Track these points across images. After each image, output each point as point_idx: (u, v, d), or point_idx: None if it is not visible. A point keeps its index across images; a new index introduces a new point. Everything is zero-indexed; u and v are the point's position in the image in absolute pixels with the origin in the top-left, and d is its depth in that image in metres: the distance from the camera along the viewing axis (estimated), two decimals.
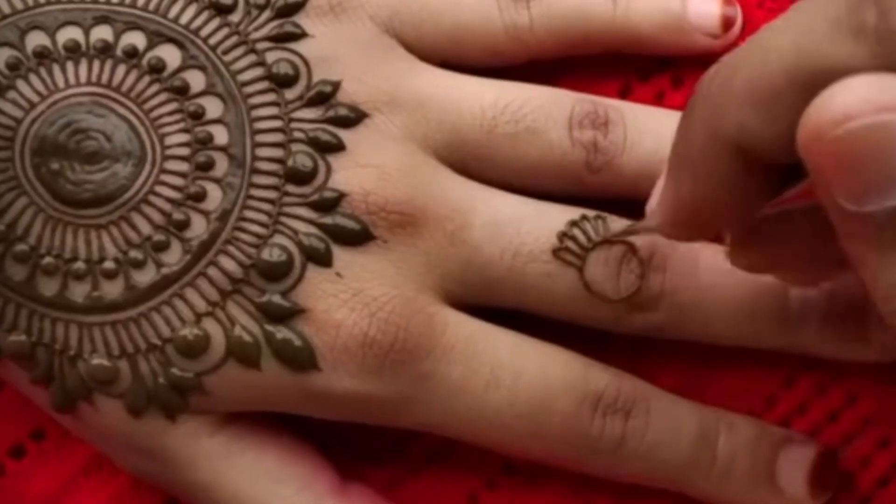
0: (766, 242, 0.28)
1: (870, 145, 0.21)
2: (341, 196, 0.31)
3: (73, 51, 0.31)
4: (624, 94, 0.34)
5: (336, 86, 0.31)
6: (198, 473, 0.31)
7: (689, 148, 0.25)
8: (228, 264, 0.30)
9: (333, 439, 0.33)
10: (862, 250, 0.22)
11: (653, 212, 0.28)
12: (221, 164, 0.30)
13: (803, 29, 0.22)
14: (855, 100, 0.21)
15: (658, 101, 0.34)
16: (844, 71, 0.22)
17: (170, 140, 0.30)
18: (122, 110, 0.30)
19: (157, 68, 0.31)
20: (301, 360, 0.30)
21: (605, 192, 0.32)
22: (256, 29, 0.31)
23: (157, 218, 0.30)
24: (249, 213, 0.30)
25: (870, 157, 0.21)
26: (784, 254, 0.28)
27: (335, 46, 0.31)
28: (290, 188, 0.31)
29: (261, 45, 0.31)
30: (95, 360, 0.30)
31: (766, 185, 0.25)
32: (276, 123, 0.31)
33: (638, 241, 0.31)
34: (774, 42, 0.23)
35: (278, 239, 0.30)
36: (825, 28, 0.22)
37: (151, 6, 0.31)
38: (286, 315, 0.30)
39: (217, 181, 0.30)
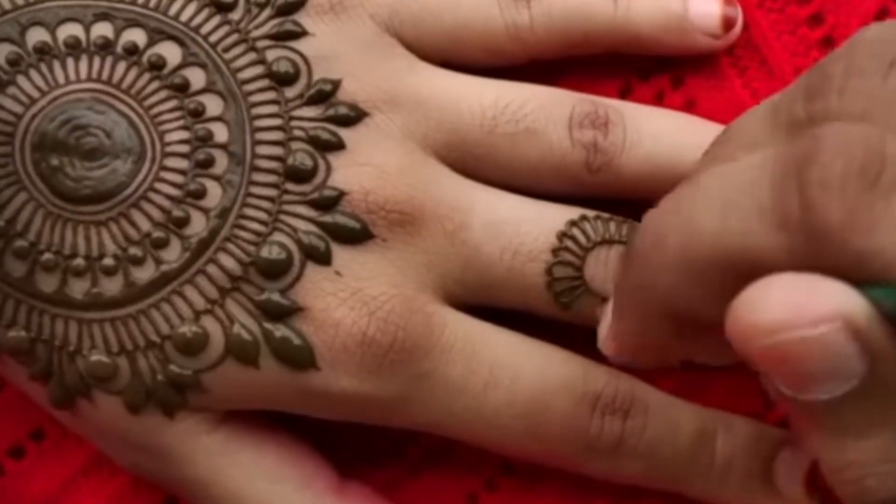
0: (714, 354, 0.29)
1: (801, 354, 0.21)
2: (341, 195, 0.31)
3: (74, 47, 0.31)
4: (624, 94, 0.34)
5: (336, 84, 0.31)
6: (196, 470, 0.31)
7: (627, 295, 0.26)
8: (228, 262, 0.30)
9: (333, 439, 0.33)
10: (808, 429, 0.23)
11: (603, 342, 0.29)
12: (221, 162, 0.30)
13: (728, 203, 0.23)
14: (783, 311, 0.21)
15: (658, 100, 0.34)
16: (769, 262, 0.22)
17: (169, 137, 0.31)
18: (122, 107, 0.30)
19: (157, 65, 0.31)
20: (300, 358, 0.30)
21: (604, 192, 0.32)
22: (257, 27, 0.31)
23: (157, 215, 0.30)
24: (249, 211, 0.30)
25: (801, 364, 0.21)
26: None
27: (335, 45, 0.32)
28: (290, 186, 0.31)
29: (261, 44, 0.31)
30: (94, 357, 0.30)
31: (705, 330, 0.25)
32: (276, 122, 0.31)
33: None
34: (701, 214, 0.23)
35: (278, 237, 0.30)
36: (749, 211, 0.22)
37: (152, 3, 0.31)
38: (285, 313, 0.30)
39: (217, 179, 0.30)
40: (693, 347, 0.28)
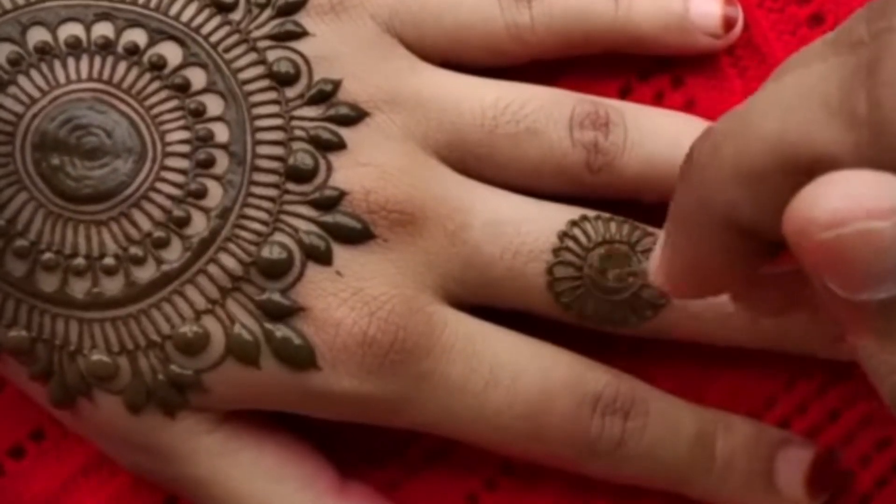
0: (767, 295, 0.28)
1: (860, 250, 0.20)
2: (342, 194, 0.31)
3: (75, 47, 0.31)
4: (624, 94, 0.34)
5: (337, 84, 0.31)
6: (197, 470, 0.31)
7: (683, 215, 0.25)
8: (228, 262, 0.30)
9: (333, 439, 0.33)
10: (857, 331, 0.22)
11: (654, 272, 0.27)
12: (222, 162, 0.30)
13: (790, 107, 0.22)
14: (844, 204, 0.20)
15: (658, 100, 0.34)
16: (831, 159, 0.21)
17: (170, 137, 0.31)
18: (122, 107, 0.30)
19: (157, 65, 0.31)
20: (300, 358, 0.30)
21: (605, 191, 0.32)
22: (257, 27, 0.31)
23: (158, 215, 0.30)
24: (250, 211, 0.30)
25: (860, 260, 0.20)
26: (787, 302, 0.28)
27: (336, 45, 0.31)
28: (291, 186, 0.31)
29: (262, 44, 0.31)
30: (95, 356, 0.30)
31: (765, 250, 0.25)
32: (277, 121, 0.31)
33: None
34: (760, 118, 0.23)
35: (278, 237, 0.30)
36: (813, 110, 0.22)
37: (153, 4, 0.31)
38: (286, 313, 0.30)
39: (217, 178, 0.30)
40: (748, 281, 0.27)
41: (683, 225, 0.25)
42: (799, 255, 0.21)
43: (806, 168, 0.21)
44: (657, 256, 0.27)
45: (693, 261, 0.26)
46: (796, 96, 0.22)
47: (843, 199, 0.20)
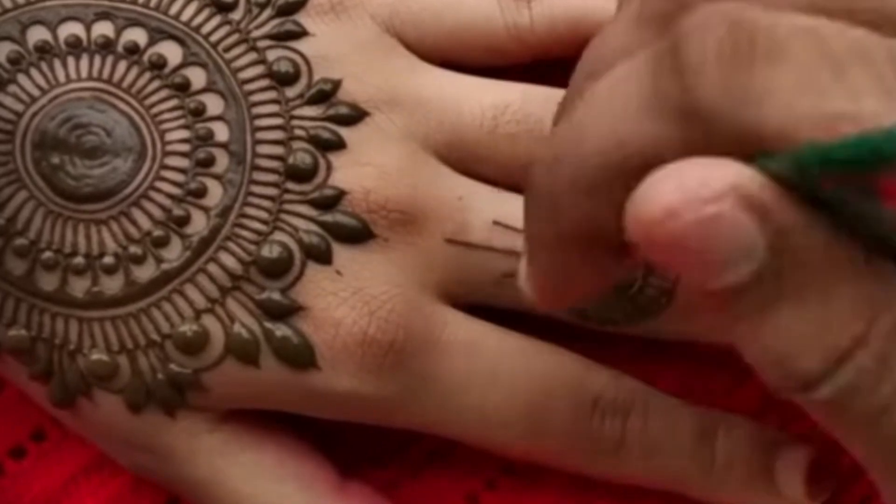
0: None
1: (701, 238, 0.20)
2: (342, 194, 0.31)
3: (75, 46, 0.31)
4: None
5: (337, 84, 0.31)
6: (197, 470, 0.31)
7: (535, 233, 0.25)
8: (228, 261, 0.30)
9: (333, 439, 0.33)
10: (728, 321, 0.22)
11: (523, 281, 0.27)
12: (222, 161, 0.30)
13: (615, 111, 0.22)
14: (676, 196, 0.20)
15: None
16: (662, 155, 0.21)
17: (170, 136, 0.31)
18: (122, 106, 0.31)
19: (157, 65, 0.31)
20: (300, 358, 0.30)
21: None
22: (257, 27, 0.31)
23: (157, 214, 0.30)
24: (250, 210, 0.30)
25: (703, 248, 0.20)
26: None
27: (336, 45, 0.32)
28: (291, 185, 0.31)
29: (261, 44, 0.31)
30: (95, 356, 0.30)
31: (624, 255, 0.24)
32: (277, 121, 0.31)
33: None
34: (590, 127, 0.22)
35: (278, 236, 0.30)
36: (635, 110, 0.21)
37: (153, 3, 0.31)
38: (285, 312, 0.30)
39: (217, 178, 0.30)
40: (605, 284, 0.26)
41: (538, 242, 0.25)
42: (647, 254, 0.21)
43: (642, 170, 0.21)
44: (523, 271, 0.27)
45: (553, 274, 0.25)
46: (617, 97, 0.22)
47: (674, 192, 0.20)
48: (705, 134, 0.20)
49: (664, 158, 0.21)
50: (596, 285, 0.25)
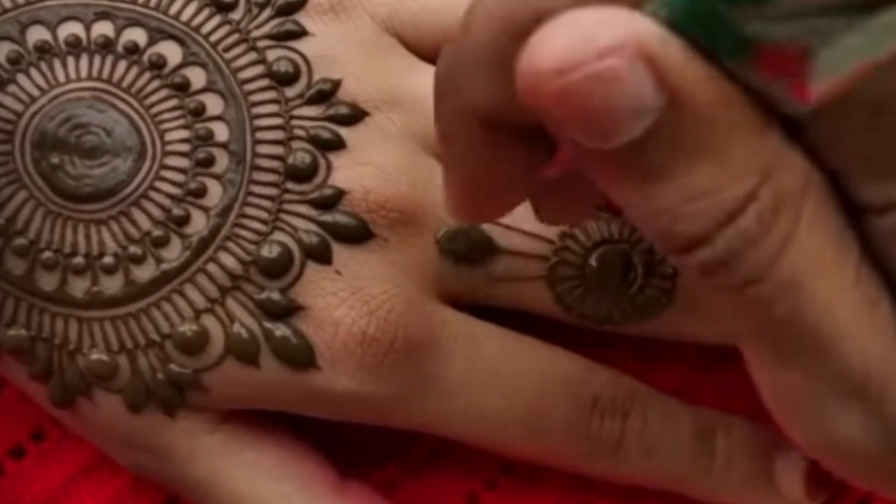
0: (563, 198, 0.26)
1: (597, 93, 0.18)
2: (341, 194, 0.31)
3: (74, 46, 0.31)
4: None
5: (336, 84, 0.31)
6: (197, 470, 0.31)
7: (444, 132, 0.24)
8: (228, 261, 0.30)
9: (333, 439, 0.33)
10: (619, 186, 0.20)
11: (445, 203, 0.26)
12: (222, 161, 0.30)
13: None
14: (573, 46, 0.18)
15: None
16: (549, 10, 0.19)
17: (170, 136, 0.31)
18: (122, 106, 0.31)
19: (157, 65, 0.31)
20: (300, 358, 0.30)
21: None
22: (257, 27, 0.31)
23: (157, 214, 0.30)
24: (249, 210, 0.30)
25: (596, 103, 0.18)
26: (580, 207, 0.27)
27: (335, 45, 0.32)
28: (291, 185, 0.31)
29: (261, 43, 0.31)
30: (94, 355, 0.30)
31: (537, 148, 0.23)
32: (277, 121, 0.31)
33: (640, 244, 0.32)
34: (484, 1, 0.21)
35: (278, 236, 0.30)
36: None
37: (152, 3, 0.31)
38: (285, 312, 0.30)
39: (217, 178, 0.30)
40: (534, 192, 0.25)
41: (448, 142, 0.24)
42: (538, 112, 0.19)
43: (532, 28, 0.19)
44: (443, 187, 0.26)
45: (469, 182, 0.24)
46: None
47: (566, 44, 0.18)
48: None
49: (555, 9, 0.19)
50: (513, 191, 0.24)
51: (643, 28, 0.19)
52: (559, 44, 0.18)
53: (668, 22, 0.19)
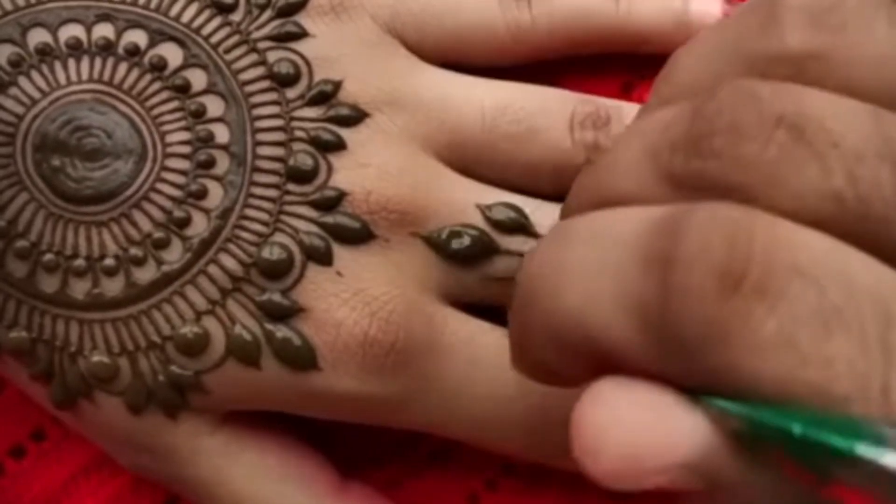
0: None
1: (640, 479, 0.20)
2: (342, 195, 0.31)
3: (75, 48, 0.31)
4: (625, 92, 0.34)
5: (337, 85, 0.31)
6: (198, 471, 0.31)
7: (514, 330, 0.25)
8: (229, 262, 0.30)
9: (334, 439, 0.33)
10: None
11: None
12: (222, 163, 0.30)
13: (594, 284, 0.21)
14: (623, 463, 0.20)
15: None
16: (624, 353, 0.20)
17: (171, 138, 0.31)
18: (123, 108, 0.31)
19: (158, 66, 0.31)
20: (301, 359, 0.30)
21: None
22: (258, 28, 0.31)
23: (158, 215, 0.30)
24: (250, 212, 0.30)
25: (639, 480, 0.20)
26: None
27: (336, 46, 0.31)
28: (291, 187, 0.31)
29: (262, 45, 0.31)
30: (95, 357, 0.30)
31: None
32: (278, 122, 0.31)
33: None
34: (567, 287, 0.22)
35: (279, 237, 0.30)
36: (613, 297, 0.21)
37: (153, 5, 0.31)
38: (286, 314, 0.30)
39: (218, 179, 0.30)
40: None
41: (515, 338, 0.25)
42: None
43: (604, 354, 0.21)
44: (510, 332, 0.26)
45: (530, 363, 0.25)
46: (601, 266, 0.21)
47: (620, 458, 0.20)
48: (670, 356, 0.20)
49: (627, 357, 0.20)
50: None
51: (699, 444, 0.20)
52: (614, 453, 0.20)
53: (737, 424, 0.20)
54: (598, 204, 0.23)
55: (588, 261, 0.22)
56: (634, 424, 0.20)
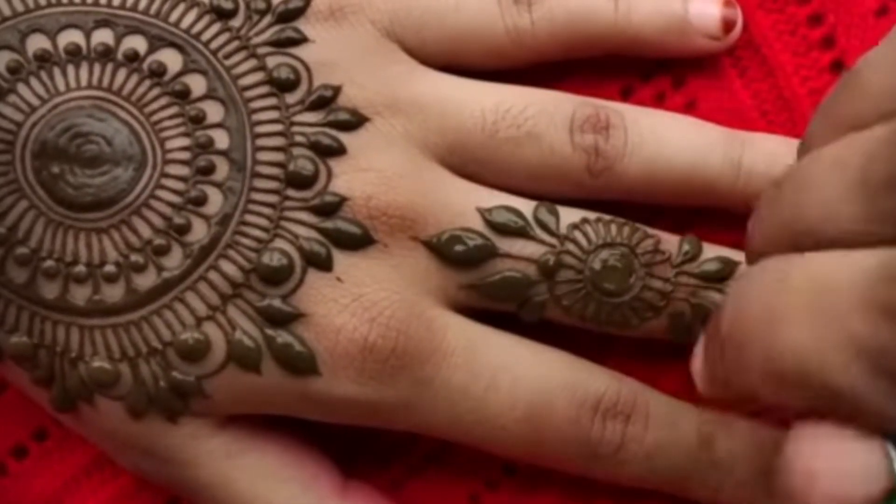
0: None
1: None
2: (342, 200, 0.31)
3: (74, 54, 0.31)
4: (625, 95, 0.34)
5: (337, 90, 0.31)
6: (200, 474, 0.31)
7: (711, 369, 0.26)
8: (229, 268, 0.30)
9: (335, 440, 0.34)
10: None
11: (695, 374, 0.28)
12: (222, 169, 0.30)
13: (812, 337, 0.22)
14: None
15: (659, 101, 0.34)
16: (849, 403, 0.21)
17: (170, 144, 0.30)
18: (122, 114, 0.30)
19: (157, 72, 0.31)
20: (301, 365, 0.30)
21: (606, 195, 0.32)
22: (257, 34, 0.31)
23: (158, 222, 0.30)
24: (250, 218, 0.30)
25: None
26: None
27: (336, 51, 0.31)
28: (291, 192, 0.30)
29: (261, 50, 0.31)
30: (96, 363, 0.30)
31: None
32: (277, 127, 0.31)
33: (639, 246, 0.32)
34: (783, 339, 0.22)
35: (279, 243, 0.30)
36: (835, 341, 0.21)
37: (152, 10, 0.31)
38: (286, 319, 0.30)
39: (218, 185, 0.30)
40: None
41: (711, 375, 0.26)
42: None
43: (827, 399, 0.22)
44: (698, 359, 0.28)
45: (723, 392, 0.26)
46: (817, 311, 0.22)
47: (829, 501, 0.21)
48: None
49: (852, 398, 0.21)
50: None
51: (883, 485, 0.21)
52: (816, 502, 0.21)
53: None
54: (797, 242, 0.24)
55: (806, 307, 0.22)
56: (844, 478, 0.21)
